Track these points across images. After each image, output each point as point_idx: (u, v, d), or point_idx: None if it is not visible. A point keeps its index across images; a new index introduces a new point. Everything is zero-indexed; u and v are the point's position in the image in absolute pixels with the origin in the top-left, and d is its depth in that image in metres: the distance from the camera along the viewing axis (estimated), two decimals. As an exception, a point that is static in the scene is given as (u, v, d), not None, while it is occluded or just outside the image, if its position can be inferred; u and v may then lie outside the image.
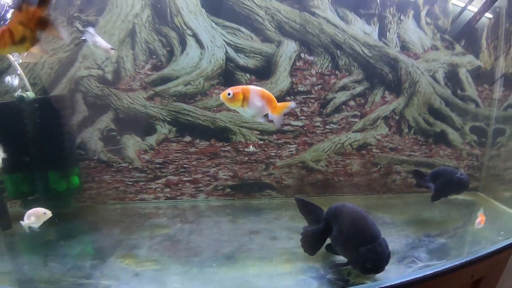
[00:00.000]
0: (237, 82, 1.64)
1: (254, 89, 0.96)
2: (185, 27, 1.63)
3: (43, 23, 0.84)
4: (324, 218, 1.12)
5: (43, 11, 0.83)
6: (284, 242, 1.33)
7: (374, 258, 0.99)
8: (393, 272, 1.07)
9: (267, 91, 0.98)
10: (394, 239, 1.34)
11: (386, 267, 1.01)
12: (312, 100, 1.78)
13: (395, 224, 1.55)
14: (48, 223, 1.23)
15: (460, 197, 1.82)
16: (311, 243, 1.13)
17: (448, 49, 1.93)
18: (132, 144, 1.68)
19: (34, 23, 0.83)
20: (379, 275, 1.03)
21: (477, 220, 1.42)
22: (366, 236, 1.01)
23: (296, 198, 1.21)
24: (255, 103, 0.95)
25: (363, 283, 1.02)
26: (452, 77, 1.94)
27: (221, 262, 1.17)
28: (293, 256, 1.21)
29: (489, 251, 1.25)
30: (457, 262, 1.15)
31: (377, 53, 1.82)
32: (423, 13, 1.85)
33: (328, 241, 1.13)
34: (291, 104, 1.05)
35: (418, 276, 1.06)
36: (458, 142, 2.02)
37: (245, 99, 0.93)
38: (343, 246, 1.06)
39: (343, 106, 1.82)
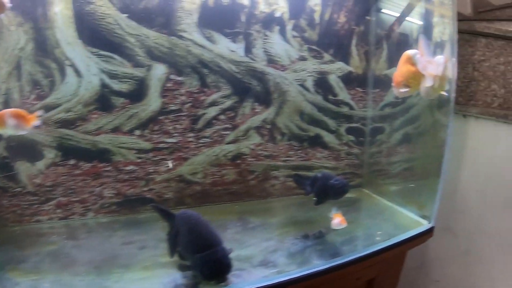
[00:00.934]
0: (113, 106, 1.79)
1: (7, 111, 1.28)
2: (64, 58, 1.76)
3: None
4: (175, 224, 1.24)
5: None
6: (151, 250, 1.51)
7: (210, 265, 1.08)
8: (245, 278, 1.19)
9: (19, 110, 1.35)
10: (256, 242, 1.56)
11: (239, 273, 1.14)
12: (184, 118, 1.91)
13: (264, 227, 1.75)
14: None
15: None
16: (168, 247, 1.28)
17: (317, 58, 2.13)
18: (24, 169, 1.80)
19: None
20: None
21: (335, 221, 1.58)
22: (201, 243, 1.11)
23: (152, 206, 1.43)
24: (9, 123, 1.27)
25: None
26: (322, 84, 2.13)
27: (90, 270, 1.35)
28: (154, 263, 1.40)
29: (366, 252, 1.37)
30: (320, 267, 1.26)
31: (244, 68, 1.98)
32: (289, 27, 2.04)
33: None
34: (38, 113, 1.37)
35: (275, 281, 1.17)
36: (335, 143, 2.22)
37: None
38: (184, 252, 1.18)
39: (214, 121, 1.97)
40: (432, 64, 1.25)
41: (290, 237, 1.59)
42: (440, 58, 1.29)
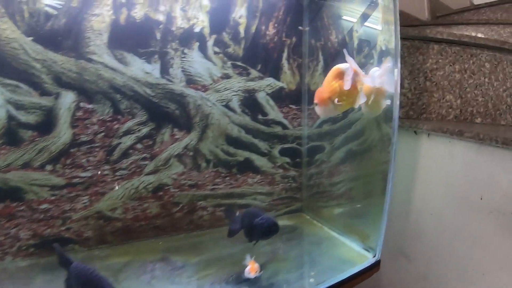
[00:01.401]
0: (21, 140, 1.72)
1: None
2: None
3: None
4: (70, 275, 1.21)
5: None
6: None
7: None
8: None
9: None
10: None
11: None
12: (97, 149, 1.85)
13: (186, 268, 1.69)
14: None
15: (281, 222, 1.92)
16: None
17: (242, 76, 2.09)
18: None
19: None
20: None
21: (247, 269, 1.53)
22: None
23: (54, 246, 1.40)
24: None
25: None
26: (250, 103, 2.10)
27: None
28: None
29: None
30: None
31: (160, 91, 1.94)
32: (210, 43, 2.00)
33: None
34: None
35: None
36: (268, 167, 2.18)
37: None
38: None
39: (131, 151, 1.92)
40: (363, 78, 1.22)
41: (211, 281, 1.55)
42: (374, 70, 1.27)
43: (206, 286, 1.52)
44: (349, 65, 1.22)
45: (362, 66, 1.84)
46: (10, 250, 1.80)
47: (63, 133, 1.80)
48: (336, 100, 1.20)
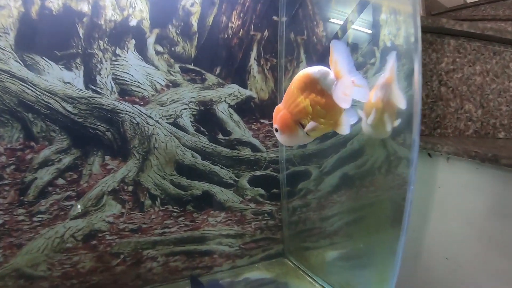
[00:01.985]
0: None
1: None
2: None
3: None
4: None
5: None
6: None
7: None
8: None
9: None
10: None
11: None
12: (7, 188, 1.57)
13: None
14: None
15: (256, 274, 1.77)
16: None
17: (195, 83, 1.79)
18: None
19: None
20: None
21: None
22: None
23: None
24: None
25: None
26: (207, 119, 1.81)
27: None
28: None
29: None
30: None
31: (85, 107, 1.64)
32: (150, 40, 1.75)
33: None
34: None
35: None
36: (234, 201, 1.89)
37: None
38: None
39: (50, 188, 1.63)
40: (360, 89, 0.90)
41: None
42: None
43: None
44: (324, 69, 0.92)
45: (360, 67, 1.63)
46: None
47: None
48: (309, 124, 0.93)
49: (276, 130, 0.97)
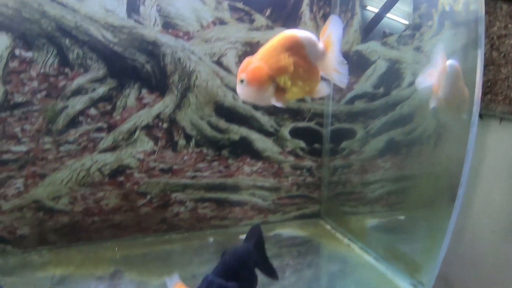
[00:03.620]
0: None
1: None
2: None
3: None
4: None
5: None
6: None
7: None
8: None
9: None
10: None
11: None
12: (36, 114, 1.50)
13: None
14: None
15: (289, 231, 1.66)
16: None
17: (243, 22, 1.68)
18: None
19: None
20: None
21: None
22: None
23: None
24: None
25: None
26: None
27: None
28: None
29: None
30: None
31: (126, 36, 1.55)
32: None
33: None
34: None
35: None
36: (273, 152, 1.78)
37: None
38: None
39: (81, 118, 1.56)
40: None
41: None
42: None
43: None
44: (312, 37, 0.87)
45: (417, 28, 1.52)
46: None
47: None
48: (278, 103, 0.88)
49: (242, 81, 0.86)
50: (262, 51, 0.87)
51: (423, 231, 1.46)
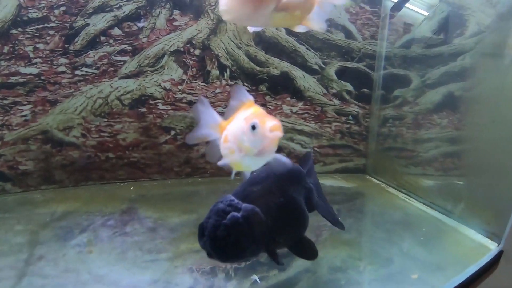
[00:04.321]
0: None
1: None
2: None
3: None
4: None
5: None
6: None
7: None
8: None
9: None
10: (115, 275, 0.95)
11: None
12: (52, 32, 1.39)
13: (153, 234, 1.15)
14: None
15: (332, 183, 1.55)
16: None
17: None
18: None
19: None
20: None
21: None
22: None
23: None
24: None
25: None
26: None
27: None
28: None
29: None
30: None
31: None
32: None
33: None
34: None
35: None
36: (317, 92, 1.65)
37: None
38: None
39: (103, 38, 1.44)
40: None
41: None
42: None
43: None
44: None
45: None
46: None
47: (3, 5, 1.34)
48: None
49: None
50: None
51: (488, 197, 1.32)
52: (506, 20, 1.37)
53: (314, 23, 0.84)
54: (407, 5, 1.67)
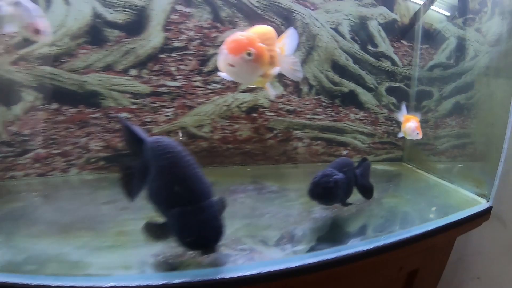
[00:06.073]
0: (106, 40, 1.59)
1: None
2: None
3: None
4: (144, 154, 0.92)
5: None
6: (133, 213, 1.24)
7: (194, 228, 0.81)
8: (254, 258, 0.96)
9: None
10: (274, 210, 1.31)
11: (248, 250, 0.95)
12: (190, 57, 1.72)
13: (282, 193, 1.51)
14: None
15: (382, 167, 1.94)
16: (128, 185, 0.95)
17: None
18: None
19: None
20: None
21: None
22: (183, 192, 0.82)
23: (120, 119, 1.17)
24: None
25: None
26: (360, 31, 2.04)
27: (52, 233, 1.12)
28: (132, 227, 1.13)
29: (414, 233, 1.14)
30: (358, 247, 1.02)
31: (266, 2, 1.82)
32: None
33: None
34: None
35: (308, 262, 0.91)
36: (372, 104, 2.09)
37: None
38: (154, 200, 0.89)
39: None
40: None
41: (316, 207, 1.31)
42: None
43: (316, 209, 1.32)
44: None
45: (476, 12, 1.82)
46: (77, 162, 1.62)
47: (154, 36, 1.62)
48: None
49: (249, 54, 0.91)
50: (261, 35, 0.99)
51: (478, 171, 1.71)
52: (493, 46, 1.72)
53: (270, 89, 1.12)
54: (430, 38, 2.11)
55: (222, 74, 1.01)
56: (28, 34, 1.17)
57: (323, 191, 1.16)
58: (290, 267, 0.88)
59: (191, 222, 0.81)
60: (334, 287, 1.08)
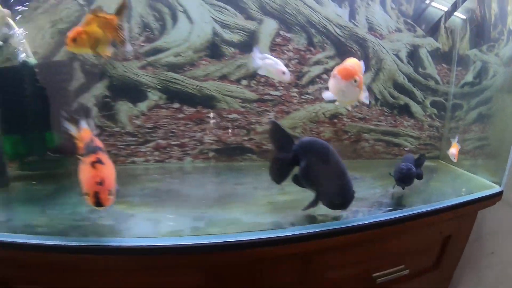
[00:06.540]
0: (223, 55, 1.89)
1: None
2: (177, 4, 1.80)
3: (117, 30, 1.05)
4: (294, 149, 1.23)
5: (119, 19, 1.06)
6: (264, 191, 1.52)
7: (341, 194, 1.17)
8: (361, 214, 1.31)
9: None
10: (362, 189, 1.61)
11: (356, 209, 1.29)
12: (290, 73, 1.94)
13: (363, 179, 1.83)
14: (45, 181, 1.47)
15: (426, 164, 2.24)
16: (278, 172, 1.27)
17: (410, 31, 2.30)
18: (124, 109, 1.81)
19: (109, 29, 1.04)
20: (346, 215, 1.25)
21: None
22: (333, 172, 1.18)
23: (272, 121, 1.34)
24: None
25: (334, 221, 1.22)
26: (414, 57, 2.32)
27: (209, 205, 1.32)
28: (273, 199, 1.41)
29: (453, 203, 1.50)
30: (421, 209, 1.39)
31: (347, 32, 2.14)
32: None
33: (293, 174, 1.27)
34: None
35: (382, 219, 1.28)
36: (420, 114, 2.39)
37: None
38: (311, 180, 1.21)
39: (317, 79, 2.10)
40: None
41: (389, 188, 1.65)
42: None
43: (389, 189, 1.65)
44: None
45: (495, 40, 2.08)
46: (192, 152, 1.90)
47: None
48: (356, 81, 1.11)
49: (355, 81, 1.13)
50: (359, 66, 1.15)
51: (494, 166, 1.94)
52: (506, 66, 1.95)
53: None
54: (463, 63, 2.44)
55: (327, 94, 1.19)
56: (277, 76, 1.51)
57: (409, 178, 1.55)
58: (385, 219, 1.32)
59: (341, 190, 1.18)
60: (397, 240, 1.45)
